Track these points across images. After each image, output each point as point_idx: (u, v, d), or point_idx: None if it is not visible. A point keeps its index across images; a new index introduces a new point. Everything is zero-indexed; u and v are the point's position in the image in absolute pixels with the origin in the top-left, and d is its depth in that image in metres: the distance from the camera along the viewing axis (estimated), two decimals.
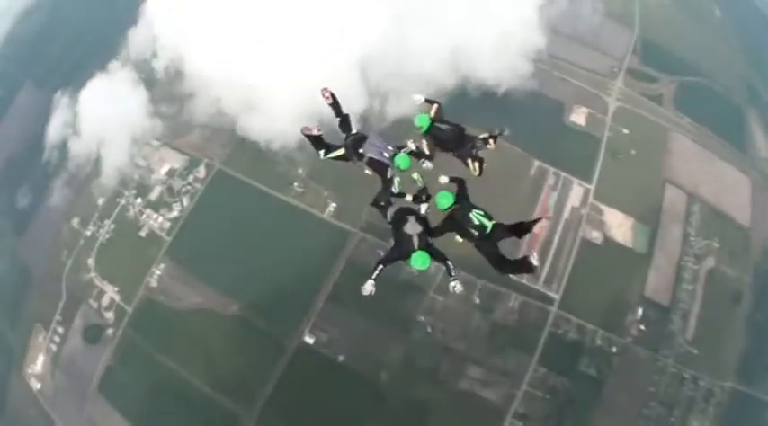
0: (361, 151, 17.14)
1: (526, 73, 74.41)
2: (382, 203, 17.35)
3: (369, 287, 16.04)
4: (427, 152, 18.43)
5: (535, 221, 16.30)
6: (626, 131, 73.20)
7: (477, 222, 16.06)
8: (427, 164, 18.19)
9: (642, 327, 63.23)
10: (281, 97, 67.17)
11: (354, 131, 17.75)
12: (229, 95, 71.00)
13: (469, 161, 18.52)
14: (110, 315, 67.16)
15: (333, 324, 62.55)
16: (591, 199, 68.26)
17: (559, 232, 66.33)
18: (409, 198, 17.36)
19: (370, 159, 17.06)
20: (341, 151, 17.48)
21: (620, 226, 67.28)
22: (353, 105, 67.71)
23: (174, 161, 72.93)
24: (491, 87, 72.20)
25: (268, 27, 68.22)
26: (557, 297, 63.39)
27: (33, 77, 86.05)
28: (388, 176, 17.16)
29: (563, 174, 69.50)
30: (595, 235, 66.52)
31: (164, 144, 74.58)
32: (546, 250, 65.14)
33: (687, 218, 68.63)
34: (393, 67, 69.45)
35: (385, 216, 17.16)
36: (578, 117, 74.18)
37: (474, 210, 16.30)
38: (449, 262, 16.15)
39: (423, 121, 18.20)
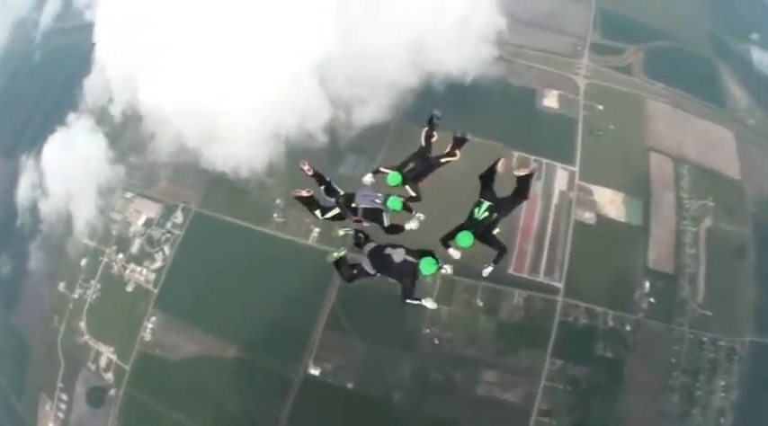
0: (353, 205, 17.07)
1: (491, 57, 70.76)
2: (354, 272, 16.90)
3: (430, 303, 16.28)
4: (414, 194, 17.91)
5: (494, 165, 16.11)
6: (600, 107, 69.85)
7: (487, 213, 15.61)
8: (419, 215, 17.26)
9: (652, 300, 59.79)
10: (242, 120, 63.64)
11: (341, 192, 17.60)
12: (189, 127, 66.62)
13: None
14: (109, 376, 63.68)
15: (336, 352, 58.66)
16: (577, 181, 64.64)
17: (551, 219, 62.63)
18: (413, 224, 16.80)
19: (365, 210, 16.94)
20: (336, 210, 17.48)
21: (611, 202, 63.80)
22: (318, 115, 65.07)
23: (150, 210, 69.15)
24: (457, 78, 68.47)
25: (217, 50, 63.95)
26: (560, 285, 59.65)
27: (0, 149, 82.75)
28: (384, 220, 16.93)
29: (545, 161, 65.74)
30: (588, 216, 62.88)
31: (137, 194, 70.72)
32: (541, 240, 61.68)
33: (677, 183, 65.56)
34: (352, 72, 65.23)
35: (368, 274, 16.37)
36: (550, 100, 70.76)
37: (474, 215, 15.81)
38: (435, 254, 15.57)
39: (395, 179, 17.65)
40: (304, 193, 17.21)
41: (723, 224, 64.27)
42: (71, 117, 78.72)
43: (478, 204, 15.66)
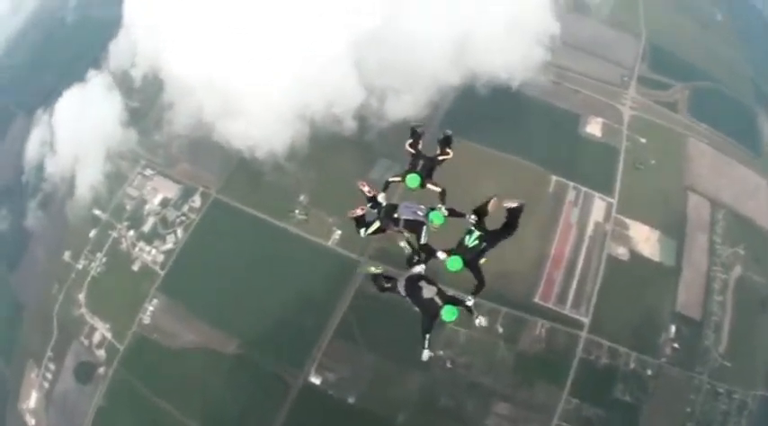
0: (396, 216, 16.08)
1: (542, 62, 64.55)
2: (388, 285, 15.62)
3: (426, 354, 14.98)
4: (439, 189, 16.62)
5: (486, 203, 15.42)
6: (643, 140, 63.78)
7: (477, 242, 14.97)
8: (472, 217, 15.67)
9: (676, 345, 54.12)
10: (265, 96, 57.02)
11: (384, 204, 16.56)
12: (209, 99, 59.93)
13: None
14: (101, 353, 57.89)
15: (341, 362, 52.06)
16: (614, 214, 58.22)
17: (584, 250, 56.11)
18: (441, 255, 15.32)
19: (406, 221, 15.96)
20: (377, 224, 16.40)
21: (646, 240, 57.39)
22: (348, 100, 58.23)
23: (168, 190, 63.05)
24: (503, 83, 61.89)
25: (249, 20, 57.30)
26: (586, 320, 53.05)
27: (25, 108, 76.25)
28: (423, 234, 15.94)
29: (583, 189, 59.62)
30: (621, 251, 56.46)
31: (157, 172, 64.42)
32: (571, 271, 55.25)
33: (712, 226, 59.96)
34: (390, 59, 58.07)
35: (398, 293, 15.24)
36: (594, 127, 64.57)
37: (465, 242, 15.23)
38: (468, 304, 14.75)
39: (414, 181, 16.60)
40: (359, 212, 16.47)
41: (751, 274, 58.65)
42: (90, 74, 72.61)
43: (469, 232, 15.24)
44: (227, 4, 58.74)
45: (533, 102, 64.98)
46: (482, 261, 15.23)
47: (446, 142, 17.56)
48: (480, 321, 15.10)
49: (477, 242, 14.92)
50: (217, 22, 59.01)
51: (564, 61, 68.97)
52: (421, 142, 17.56)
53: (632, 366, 52.86)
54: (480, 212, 15.43)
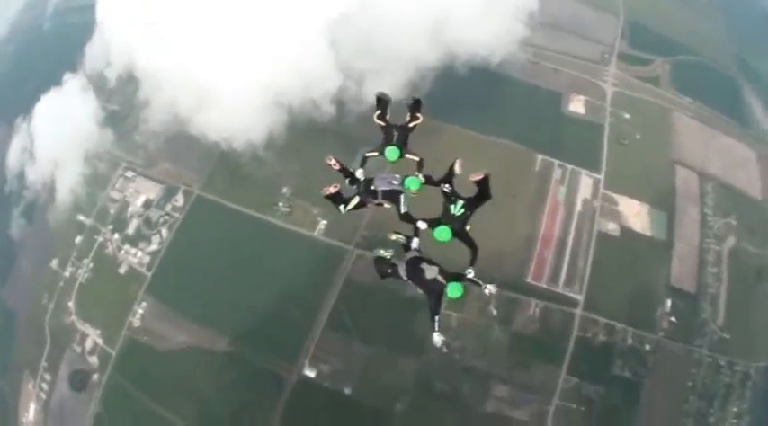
0: (372, 188, 15.82)
1: (521, 38, 62.96)
2: (389, 271, 15.37)
3: (438, 338, 14.32)
4: (417, 159, 16.38)
5: (451, 167, 15.19)
6: (627, 116, 62.66)
7: (462, 210, 14.68)
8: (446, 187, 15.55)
9: (673, 319, 53.05)
10: (239, 84, 54.61)
11: (362, 179, 16.29)
12: (184, 92, 57.78)
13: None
14: (94, 360, 56.04)
15: (335, 353, 50.36)
16: (602, 190, 57.02)
17: (574, 228, 54.78)
18: (422, 225, 15.29)
19: (384, 192, 15.73)
20: (356, 199, 16.07)
21: (636, 214, 56.29)
22: (325, 83, 56.12)
23: (150, 191, 61.04)
24: (482, 60, 60.45)
25: (220, 8, 55.25)
26: (580, 298, 51.74)
27: (7, 119, 73.54)
28: (402, 204, 15.60)
29: (569, 166, 58.46)
30: (612, 227, 55.25)
31: (138, 174, 62.39)
32: (562, 249, 54.04)
33: (702, 198, 58.81)
34: (366, 40, 56.07)
35: (400, 277, 14.97)
36: (576, 105, 63.35)
37: (451, 211, 14.89)
38: (470, 277, 14.33)
39: (393, 153, 16.44)
40: (332, 190, 15.95)
41: (745, 244, 57.88)
42: (66, 77, 70.54)
43: (453, 201, 14.96)
44: None
45: (514, 83, 63.84)
46: (467, 228, 15.02)
47: (416, 107, 17.19)
48: (489, 289, 14.46)
49: (463, 209, 14.74)
50: (187, 11, 56.79)
51: (543, 41, 67.87)
52: (389, 111, 17.18)
53: (630, 342, 51.71)
54: (448, 177, 15.26)
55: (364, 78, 57.56)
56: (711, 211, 58.41)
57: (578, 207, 56.08)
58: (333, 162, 16.48)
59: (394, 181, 15.71)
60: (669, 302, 53.68)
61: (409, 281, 14.86)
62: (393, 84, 56.45)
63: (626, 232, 55.44)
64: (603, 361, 50.79)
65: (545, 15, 67.50)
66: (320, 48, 55.50)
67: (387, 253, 15.99)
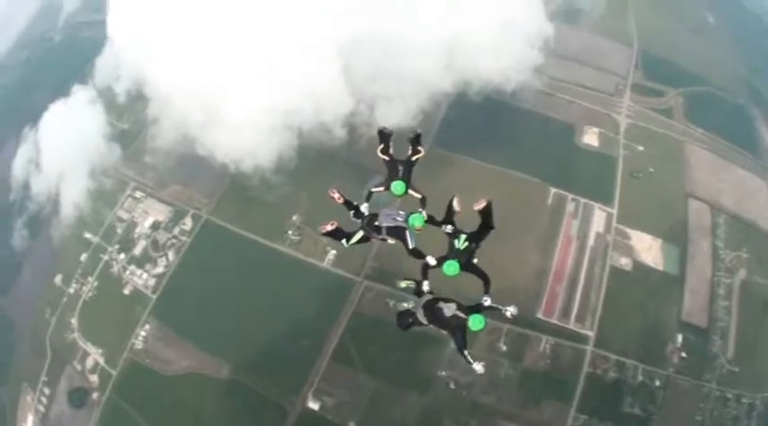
0: (376, 224, 15.44)
1: (536, 65, 61.50)
2: (411, 320, 14.44)
3: (479, 366, 13.81)
4: (419, 196, 16.05)
5: (450, 204, 14.84)
6: (641, 148, 61.27)
7: (467, 243, 14.43)
8: (448, 227, 15.08)
9: (684, 354, 51.51)
10: (249, 105, 53.50)
11: (366, 213, 15.80)
12: (194, 113, 56.58)
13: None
14: (94, 379, 55.00)
15: (340, 386, 48.72)
16: (615, 224, 55.51)
17: (586, 262, 53.21)
18: (431, 260, 14.73)
19: (388, 228, 15.37)
20: (360, 234, 15.60)
21: (648, 248, 54.65)
22: (337, 107, 54.84)
23: (159, 213, 60.12)
24: (497, 88, 59.11)
25: (233, 29, 53.99)
26: (591, 334, 50.13)
27: (16, 129, 73.20)
28: (408, 240, 15.16)
29: (582, 200, 57.06)
30: (624, 262, 53.68)
31: (147, 195, 61.36)
32: (574, 284, 52.36)
33: (714, 231, 57.15)
34: (379, 65, 54.66)
35: (422, 324, 14.26)
36: (590, 137, 62.13)
37: (457, 246, 14.59)
38: (488, 304, 13.89)
39: (399, 188, 15.88)
40: (328, 227, 15.83)
41: (756, 276, 55.93)
42: (75, 89, 70.00)
43: (456, 236, 14.74)
44: (210, 13, 55.20)
45: (528, 115, 62.69)
46: (474, 260, 14.75)
47: (416, 140, 16.81)
48: (511, 311, 14.13)
49: (467, 243, 14.54)
50: (200, 31, 55.75)
51: (557, 72, 66.37)
52: (391, 145, 16.84)
53: (640, 378, 50.09)
54: (449, 215, 15.03)
55: (376, 103, 56.25)
56: (723, 244, 56.84)
57: (591, 241, 54.67)
58: (336, 195, 16.13)
59: (398, 218, 15.51)
60: (680, 337, 52.19)
61: (430, 326, 14.46)
62: (405, 111, 55.96)
63: (638, 266, 53.86)
64: (613, 398, 49.13)
65: (559, 46, 65.84)
66: (332, 72, 54.30)
67: (410, 305, 15.42)
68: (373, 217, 15.80)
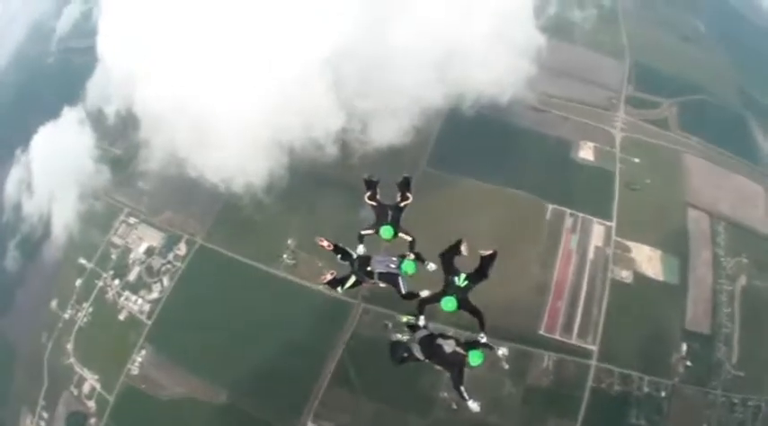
0: (369, 269, 15.25)
1: (530, 76, 60.45)
2: (406, 355, 14.58)
3: (474, 405, 13.81)
4: (410, 238, 15.92)
5: (457, 245, 14.67)
6: (637, 160, 60.56)
7: (467, 281, 14.24)
8: (431, 265, 15.48)
9: (688, 363, 50.23)
10: (237, 123, 52.37)
11: (354, 256, 15.67)
12: (183, 133, 55.38)
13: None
14: (92, 404, 53.32)
15: (340, 411, 46.90)
16: (614, 237, 54.39)
17: (587, 276, 51.92)
18: (425, 293, 14.86)
19: (380, 274, 15.12)
20: (353, 279, 15.55)
21: (649, 260, 53.55)
22: (328, 122, 53.58)
23: (153, 239, 58.67)
24: (491, 100, 58.32)
25: (219, 44, 52.88)
26: (594, 348, 48.76)
27: (8, 149, 72.06)
28: (401, 286, 15.09)
29: (580, 215, 56.04)
30: (625, 274, 52.47)
31: (141, 221, 60.01)
32: (575, 299, 50.93)
33: (714, 239, 56.32)
34: (370, 79, 53.61)
35: (418, 360, 14.25)
36: (586, 152, 61.44)
37: (458, 283, 14.30)
38: (483, 341, 14.01)
39: (388, 232, 15.58)
40: (328, 277, 15.88)
41: (756, 281, 55.44)
42: (65, 110, 68.81)
43: (457, 274, 14.38)
44: (198, 29, 53.88)
45: (522, 132, 62.00)
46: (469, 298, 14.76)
47: (405, 186, 17.01)
48: (503, 352, 16.53)
49: (467, 281, 14.33)
50: (188, 48, 54.70)
51: (550, 88, 65.69)
52: (378, 191, 16.80)
53: (645, 389, 48.97)
54: (447, 256, 14.89)
55: (368, 119, 55.04)
56: (723, 251, 56.14)
57: (590, 255, 53.51)
58: (325, 243, 16.14)
59: (391, 265, 15.43)
60: (684, 346, 51.04)
61: (426, 361, 14.36)
62: (398, 127, 54.90)
63: (639, 278, 52.69)
64: (619, 412, 47.80)
65: (551, 62, 65.32)
66: (322, 86, 52.95)
67: (403, 337, 15.45)
68: (365, 260, 15.75)
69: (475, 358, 13.39)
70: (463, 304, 14.31)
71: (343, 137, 55.20)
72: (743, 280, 55.18)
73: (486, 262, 14.46)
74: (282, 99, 52.23)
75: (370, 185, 16.84)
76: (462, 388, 13.70)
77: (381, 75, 53.89)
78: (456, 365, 13.77)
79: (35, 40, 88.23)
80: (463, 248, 14.53)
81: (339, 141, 54.67)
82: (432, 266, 15.69)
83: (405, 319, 15.57)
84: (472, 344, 13.88)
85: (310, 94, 52.59)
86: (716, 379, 50.42)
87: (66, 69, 79.31)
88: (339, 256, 15.97)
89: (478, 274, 14.53)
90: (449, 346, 13.84)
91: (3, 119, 77.77)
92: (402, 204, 16.60)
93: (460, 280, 14.41)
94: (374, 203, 16.61)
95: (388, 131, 53.71)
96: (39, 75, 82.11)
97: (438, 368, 14.28)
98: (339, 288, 15.90)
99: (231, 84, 52.78)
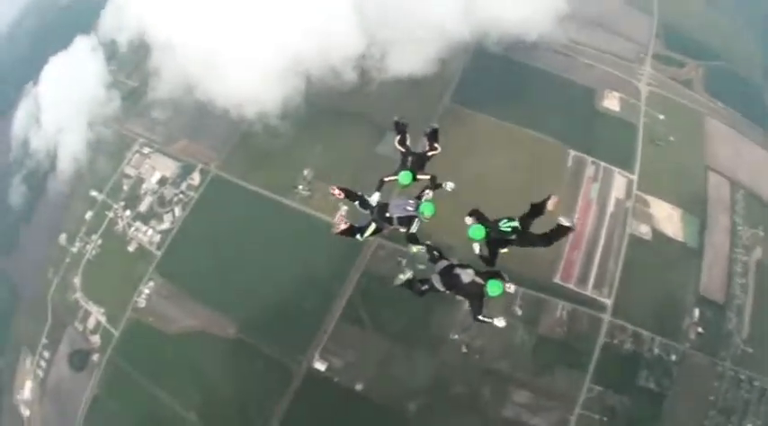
0: (388, 215, 15.19)
1: (560, 14, 57.73)
2: (425, 287, 14.54)
3: (500, 322, 13.95)
4: (429, 177, 16.17)
5: (545, 200, 14.22)
6: (662, 117, 57.27)
7: (509, 229, 14.05)
8: (450, 184, 15.96)
9: (700, 329, 47.59)
10: (255, 50, 49.29)
11: (374, 204, 15.66)
12: (196, 58, 52.35)
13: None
14: (95, 339, 51.66)
15: (348, 347, 45.21)
16: (635, 190, 51.62)
17: (605, 228, 49.34)
18: (414, 248, 15.39)
19: (399, 218, 15.15)
20: (373, 226, 15.51)
21: (668, 218, 50.80)
22: (347, 47, 50.69)
23: (166, 168, 56.59)
24: (519, 36, 55.84)
25: None
26: (608, 302, 46.31)
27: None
28: (413, 226, 15.16)
29: (602, 164, 53.11)
30: (644, 230, 49.75)
31: (155, 150, 57.77)
32: (592, 250, 48.39)
33: (733, 207, 53.45)
34: (394, 5, 50.19)
35: (437, 290, 14.30)
36: (611, 102, 58.04)
37: (500, 223, 14.20)
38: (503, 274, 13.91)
39: (406, 178, 16.14)
40: (343, 226, 15.33)
41: None
42: (77, 39, 66.22)
43: (510, 219, 14.16)
44: None
45: (548, 76, 59.16)
46: (503, 250, 14.56)
47: (433, 136, 17.12)
48: (510, 288, 13.73)
49: (509, 230, 14.10)
50: None
51: (578, 36, 62.80)
52: (408, 136, 17.04)
53: (656, 351, 46.58)
54: (535, 209, 14.54)
55: (389, 47, 52.15)
56: (741, 220, 53.23)
57: (611, 207, 50.71)
58: (337, 192, 15.92)
59: (409, 208, 15.22)
60: (697, 311, 48.08)
61: (447, 292, 14.32)
62: (420, 56, 51.96)
63: (658, 236, 49.96)
64: (630, 371, 45.51)
65: (579, 11, 62.20)
66: (344, 10, 49.98)
67: (406, 275, 15.27)
68: (383, 207, 15.49)
69: (493, 287, 13.29)
70: (490, 245, 14.26)
71: (362, 65, 52.44)
72: (758, 253, 52.44)
73: (557, 232, 13.96)
74: (301, 22, 49.20)
75: (400, 128, 17.07)
76: (482, 317, 13.70)
77: (405, 2, 50.66)
78: (475, 295, 13.70)
79: None
80: (551, 204, 14.08)
81: (358, 68, 51.90)
82: (450, 185, 15.86)
83: (415, 249, 15.45)
84: (492, 274, 13.69)
85: (331, 18, 49.50)
86: (725, 351, 48.32)
87: (82, 9, 75.17)
88: (357, 203, 15.80)
89: (543, 238, 14.13)
90: (467, 275, 13.75)
91: (22, 65, 74.19)
92: (429, 153, 16.75)
93: (504, 224, 14.18)
94: (402, 149, 16.70)
95: (409, 61, 50.89)
96: (52, 16, 78.89)
97: (459, 298, 14.12)
98: (359, 236, 15.60)
99: (246, 7, 49.68)
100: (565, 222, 13.71)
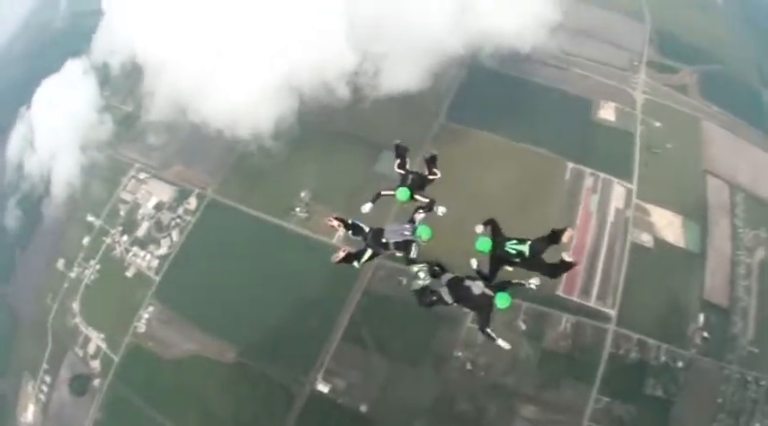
0: (384, 241, 14.56)
1: (553, 24, 57.79)
2: (434, 298, 13.89)
3: (504, 344, 13.47)
4: (426, 200, 15.52)
5: (562, 230, 13.41)
6: (658, 124, 57.28)
7: (514, 252, 13.57)
8: (442, 209, 15.33)
9: (705, 334, 47.29)
10: (245, 63, 49.01)
11: (367, 230, 14.93)
12: (187, 77, 52.03)
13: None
14: (96, 365, 51.39)
15: (351, 368, 44.43)
16: (635, 199, 51.32)
17: (606, 238, 48.95)
18: (414, 268, 14.39)
19: (396, 244, 14.54)
20: (369, 252, 14.76)
21: (669, 225, 50.53)
22: (340, 63, 50.48)
23: (163, 193, 56.29)
24: (512, 49, 55.63)
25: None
26: (612, 312, 45.78)
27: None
28: (412, 252, 14.47)
29: (601, 175, 52.96)
30: (645, 238, 49.46)
31: (151, 175, 57.47)
32: (594, 261, 47.93)
33: (733, 210, 53.29)
34: (386, 19, 49.98)
35: (446, 303, 13.70)
36: (607, 112, 58.18)
37: (507, 243, 13.70)
38: (517, 281, 13.55)
39: (404, 195, 15.50)
40: (341, 254, 14.69)
41: None
42: (68, 62, 66.38)
43: (522, 241, 13.56)
44: None
45: (543, 88, 58.99)
46: (508, 268, 14.08)
47: (432, 162, 16.83)
48: (534, 283, 13.66)
49: (515, 252, 13.66)
50: None
51: (571, 46, 62.71)
52: (408, 158, 16.76)
53: (662, 358, 46.17)
54: (550, 239, 13.87)
55: (383, 62, 51.81)
56: (742, 223, 53.11)
57: (611, 217, 50.49)
58: (335, 223, 15.35)
59: (406, 233, 14.80)
60: (702, 316, 47.78)
61: (455, 304, 13.92)
62: (415, 71, 51.56)
63: (660, 243, 49.69)
64: (636, 379, 45.02)
65: (573, 21, 62.73)
66: (336, 26, 49.67)
67: (424, 281, 14.56)
68: (378, 232, 15.06)
69: (502, 300, 13.06)
70: (493, 261, 13.93)
71: (355, 81, 52.10)
72: (761, 254, 52.06)
73: (562, 267, 13.68)
74: (294, 39, 48.87)
75: (400, 152, 16.73)
76: (489, 330, 13.32)
77: (397, 16, 50.29)
78: (483, 307, 13.42)
79: (42, 8, 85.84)
80: (565, 236, 13.52)
81: (352, 84, 51.58)
82: (442, 209, 15.36)
83: (416, 269, 14.67)
84: (501, 285, 13.43)
85: (323, 33, 49.21)
86: (731, 354, 47.86)
87: (76, 33, 75.40)
88: (350, 232, 15.28)
89: (547, 270, 13.80)
90: (477, 287, 13.46)
91: (16, 88, 73.79)
92: (429, 177, 16.41)
93: (511, 245, 13.79)
94: (402, 172, 16.30)
95: (403, 77, 50.49)
96: (48, 39, 79.19)
97: (465, 310, 13.94)
98: (356, 263, 15.11)
99: (239, 24, 49.59)
100: (567, 258, 13.58)
